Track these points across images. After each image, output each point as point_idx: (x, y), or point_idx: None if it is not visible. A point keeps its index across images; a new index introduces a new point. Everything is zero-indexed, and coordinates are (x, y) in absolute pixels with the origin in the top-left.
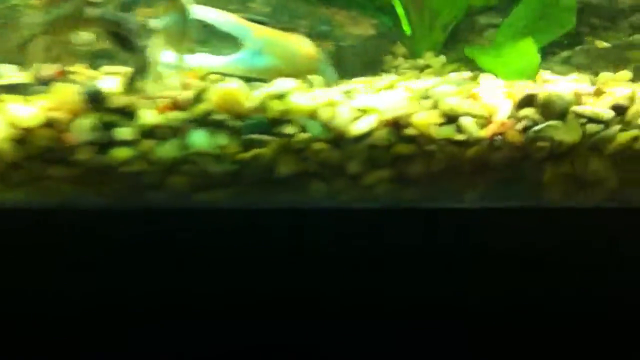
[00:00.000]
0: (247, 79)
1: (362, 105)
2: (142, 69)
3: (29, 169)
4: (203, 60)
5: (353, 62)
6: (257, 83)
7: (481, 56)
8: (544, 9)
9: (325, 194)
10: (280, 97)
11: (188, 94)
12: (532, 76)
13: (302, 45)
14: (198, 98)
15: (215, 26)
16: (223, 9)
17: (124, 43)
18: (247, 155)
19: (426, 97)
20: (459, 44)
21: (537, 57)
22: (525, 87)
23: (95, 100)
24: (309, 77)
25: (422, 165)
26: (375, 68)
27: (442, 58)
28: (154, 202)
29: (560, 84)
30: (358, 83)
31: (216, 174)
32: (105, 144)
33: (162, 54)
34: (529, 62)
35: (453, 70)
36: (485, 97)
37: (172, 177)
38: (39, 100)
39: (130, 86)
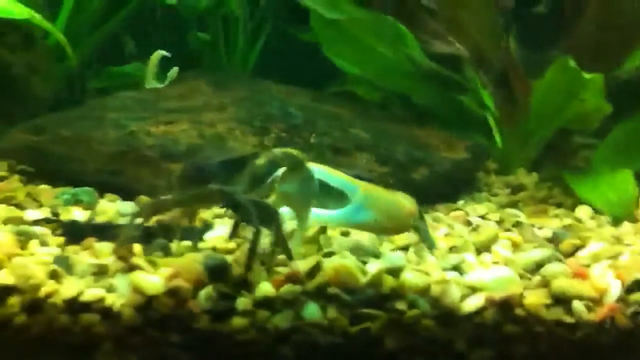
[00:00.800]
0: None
1: (472, 282)
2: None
3: (149, 335)
4: (312, 213)
5: (446, 187)
6: (370, 251)
7: (579, 186)
8: None
9: None
10: (394, 272)
11: (304, 268)
12: (629, 210)
13: (403, 202)
14: (313, 272)
15: (325, 182)
16: (327, 133)
17: (244, 215)
18: (356, 328)
19: (533, 271)
20: (551, 161)
21: (635, 191)
22: (634, 270)
23: (217, 273)
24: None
25: (528, 346)
26: (469, 189)
27: (535, 176)
28: None
29: None
30: (458, 217)
31: (324, 345)
32: (222, 313)
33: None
34: (626, 196)
35: (546, 194)
36: (594, 273)
37: (282, 346)
38: (163, 268)
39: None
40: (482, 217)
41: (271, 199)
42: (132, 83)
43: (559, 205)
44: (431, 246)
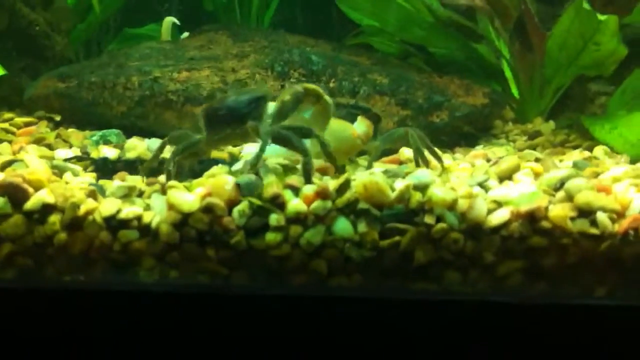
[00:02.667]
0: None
1: (497, 197)
2: (307, 167)
3: (186, 250)
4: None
5: (467, 131)
6: (396, 173)
7: (596, 128)
8: None
9: (459, 283)
10: (422, 188)
11: (334, 185)
12: None
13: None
14: (343, 188)
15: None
16: (346, 78)
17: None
18: (386, 242)
19: (557, 189)
20: (568, 110)
21: None
22: None
23: (249, 191)
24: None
25: (554, 258)
26: (488, 135)
27: (551, 124)
28: (296, 288)
29: None
30: (478, 157)
31: (356, 259)
32: (256, 229)
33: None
34: None
35: (563, 139)
36: (617, 189)
37: (315, 260)
38: (197, 187)
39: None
40: (501, 158)
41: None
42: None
43: (576, 148)
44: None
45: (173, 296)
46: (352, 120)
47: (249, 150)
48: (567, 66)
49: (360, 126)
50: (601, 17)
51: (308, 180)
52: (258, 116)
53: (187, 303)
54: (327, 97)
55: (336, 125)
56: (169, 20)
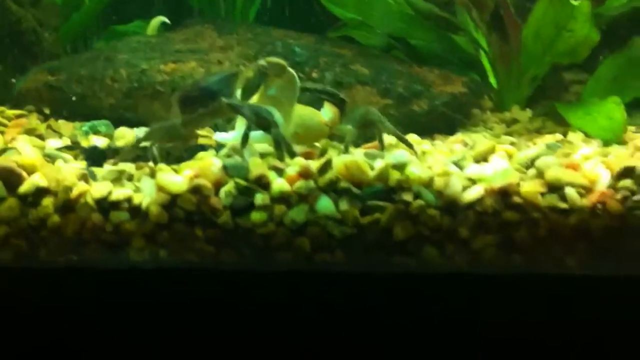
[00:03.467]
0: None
1: (472, 174)
2: (279, 144)
3: (175, 230)
4: (228, 136)
5: (446, 119)
6: (375, 154)
7: (570, 114)
8: (629, 66)
9: (437, 257)
10: (400, 167)
11: (315, 164)
12: (619, 134)
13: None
14: (324, 168)
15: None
16: (328, 69)
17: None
18: (367, 219)
19: (529, 167)
20: (544, 98)
21: (624, 116)
22: (622, 160)
23: (235, 172)
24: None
25: (526, 231)
26: (465, 124)
27: (528, 112)
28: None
29: None
30: (457, 142)
31: (338, 236)
32: (242, 208)
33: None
34: (616, 121)
35: (539, 126)
36: (586, 167)
37: (299, 238)
38: (185, 170)
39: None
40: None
41: (254, 101)
42: None
43: (551, 133)
44: (347, 147)
45: (163, 273)
46: (319, 104)
47: (222, 136)
48: (542, 55)
49: (327, 112)
50: (574, 2)
51: (278, 147)
52: (229, 93)
53: (177, 280)
54: (291, 70)
55: (304, 112)
56: (158, 19)
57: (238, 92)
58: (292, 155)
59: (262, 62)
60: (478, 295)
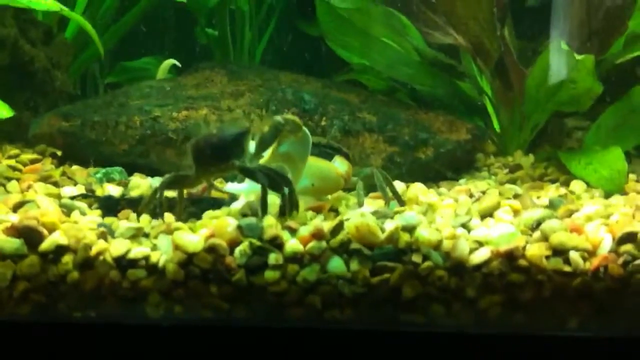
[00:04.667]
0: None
1: (479, 237)
2: (291, 205)
3: (191, 287)
4: (239, 187)
5: (452, 166)
6: (384, 214)
7: (573, 163)
8: (630, 114)
9: (444, 315)
10: (409, 229)
11: (328, 226)
12: (620, 185)
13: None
14: (336, 229)
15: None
16: (337, 117)
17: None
18: (376, 279)
19: (534, 228)
20: (546, 143)
21: (625, 167)
22: (624, 225)
23: (250, 232)
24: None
25: (531, 292)
26: (470, 169)
27: (531, 157)
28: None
29: None
30: (462, 192)
31: (348, 294)
32: (256, 267)
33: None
34: (617, 172)
35: (542, 172)
36: (588, 229)
37: (310, 296)
38: (201, 229)
39: (282, 217)
40: (483, 192)
41: (266, 159)
42: (143, 78)
43: (553, 182)
44: (361, 204)
45: (178, 329)
46: (325, 158)
47: (234, 187)
48: (545, 102)
49: (342, 165)
50: (578, 57)
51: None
52: (241, 151)
53: (192, 336)
54: (305, 129)
55: (322, 165)
56: (169, 62)
57: (251, 145)
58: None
59: (279, 118)
60: (483, 354)
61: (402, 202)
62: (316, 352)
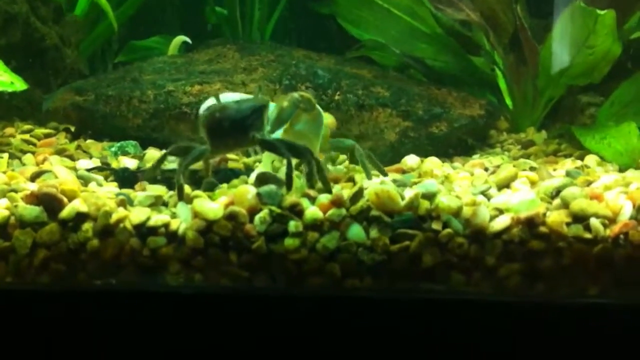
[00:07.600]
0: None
1: (499, 204)
2: (311, 175)
3: (210, 255)
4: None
5: (464, 141)
6: (403, 182)
7: (587, 138)
8: None
9: (463, 283)
10: (429, 196)
11: (348, 193)
12: (635, 159)
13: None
14: (356, 197)
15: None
16: (350, 92)
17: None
18: (396, 247)
19: (554, 197)
20: (559, 120)
21: (639, 141)
22: None
23: (269, 199)
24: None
25: (551, 260)
26: (482, 145)
27: (543, 133)
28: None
29: None
30: (476, 166)
31: (368, 262)
32: (276, 235)
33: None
34: (631, 146)
35: (555, 148)
36: (608, 197)
37: (330, 264)
38: (220, 197)
39: (310, 183)
40: (497, 166)
41: (280, 135)
42: (153, 57)
43: (567, 157)
44: (369, 176)
45: (198, 297)
46: None
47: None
48: (559, 77)
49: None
50: (600, 12)
51: (310, 179)
52: (260, 125)
53: (211, 304)
54: (318, 107)
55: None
56: (180, 38)
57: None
58: (329, 190)
59: (296, 95)
60: (502, 323)
61: (385, 175)
62: (336, 321)
